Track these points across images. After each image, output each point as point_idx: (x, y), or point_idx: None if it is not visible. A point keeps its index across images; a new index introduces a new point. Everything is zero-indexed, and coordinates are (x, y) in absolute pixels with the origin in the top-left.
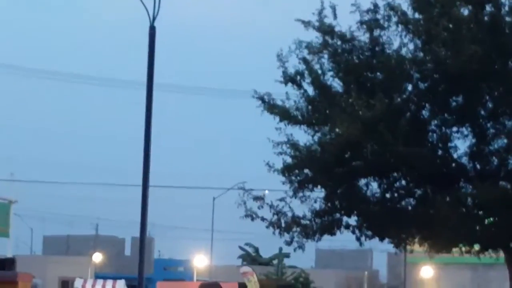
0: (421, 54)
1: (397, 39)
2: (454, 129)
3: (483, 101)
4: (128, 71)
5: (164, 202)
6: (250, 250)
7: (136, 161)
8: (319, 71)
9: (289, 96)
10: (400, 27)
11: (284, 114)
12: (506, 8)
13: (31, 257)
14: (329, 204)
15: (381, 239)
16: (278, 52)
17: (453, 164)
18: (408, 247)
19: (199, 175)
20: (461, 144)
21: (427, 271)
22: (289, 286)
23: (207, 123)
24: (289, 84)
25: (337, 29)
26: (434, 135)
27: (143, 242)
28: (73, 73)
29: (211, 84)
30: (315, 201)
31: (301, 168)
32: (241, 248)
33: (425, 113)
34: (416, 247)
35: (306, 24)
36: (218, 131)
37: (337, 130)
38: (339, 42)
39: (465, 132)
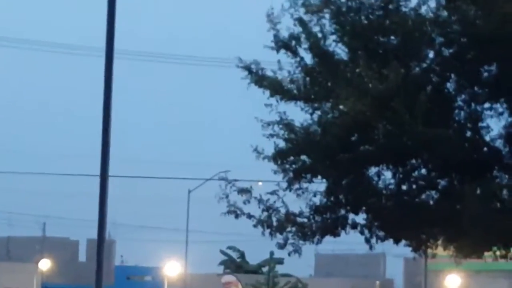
0: (445, 13)
1: None
2: (486, 105)
3: None
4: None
5: (127, 196)
6: (234, 255)
7: (93, 145)
8: (319, 35)
9: (282, 66)
10: None
11: (276, 88)
12: None
13: None
14: (331, 198)
15: (396, 241)
16: (268, 11)
17: (485, 149)
18: (430, 251)
19: (170, 162)
20: (495, 124)
21: (453, 281)
22: None
23: (181, 98)
24: (282, 51)
25: None
26: (462, 112)
27: (101, 245)
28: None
29: (185, 51)
30: (315, 195)
31: (297, 154)
32: (222, 252)
33: (450, 85)
34: (440, 250)
35: None
36: (194, 108)
37: (341, 107)
38: None
39: (500, 109)
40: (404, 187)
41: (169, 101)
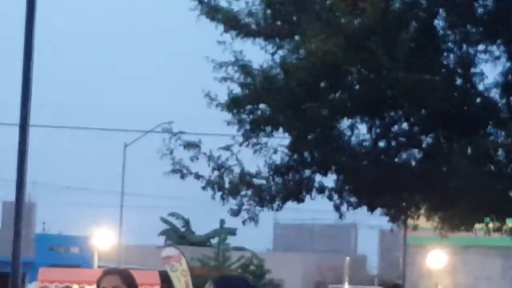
0: None
1: None
2: (481, 47)
3: None
4: None
5: (50, 151)
6: (177, 223)
7: (9, 88)
8: None
9: None
10: None
11: (231, 21)
12: None
13: None
14: (295, 156)
15: (371, 209)
16: None
17: (478, 100)
18: (410, 222)
19: (102, 110)
20: (490, 70)
21: (437, 258)
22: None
23: (114, 30)
24: None
25: None
26: (451, 56)
27: (20, 209)
28: None
29: None
30: (275, 151)
31: (255, 102)
32: (164, 220)
33: (438, 23)
34: (422, 221)
35: None
36: (131, 44)
37: (309, 46)
38: None
39: (496, 53)
40: (381, 144)
41: (100, 35)
